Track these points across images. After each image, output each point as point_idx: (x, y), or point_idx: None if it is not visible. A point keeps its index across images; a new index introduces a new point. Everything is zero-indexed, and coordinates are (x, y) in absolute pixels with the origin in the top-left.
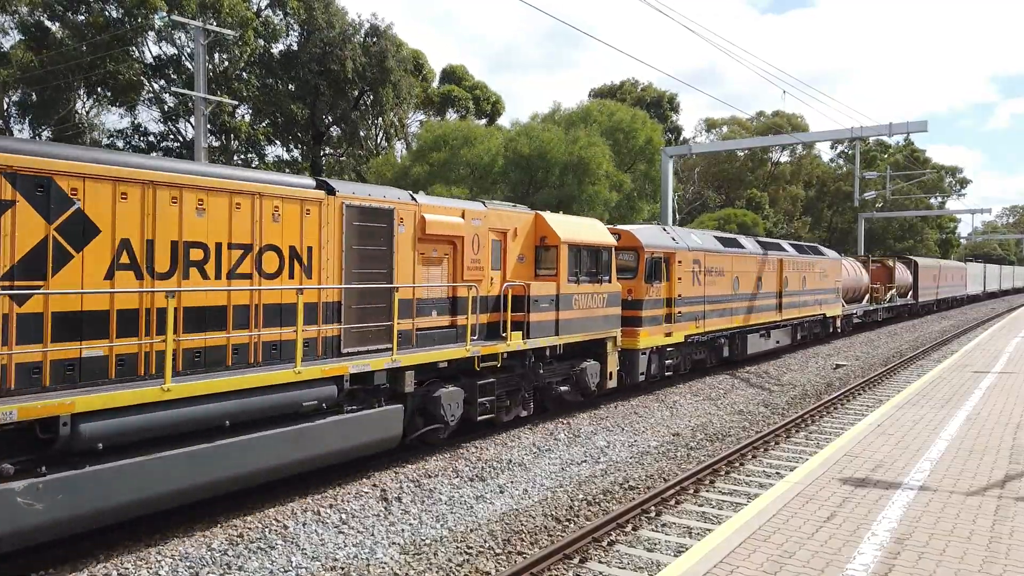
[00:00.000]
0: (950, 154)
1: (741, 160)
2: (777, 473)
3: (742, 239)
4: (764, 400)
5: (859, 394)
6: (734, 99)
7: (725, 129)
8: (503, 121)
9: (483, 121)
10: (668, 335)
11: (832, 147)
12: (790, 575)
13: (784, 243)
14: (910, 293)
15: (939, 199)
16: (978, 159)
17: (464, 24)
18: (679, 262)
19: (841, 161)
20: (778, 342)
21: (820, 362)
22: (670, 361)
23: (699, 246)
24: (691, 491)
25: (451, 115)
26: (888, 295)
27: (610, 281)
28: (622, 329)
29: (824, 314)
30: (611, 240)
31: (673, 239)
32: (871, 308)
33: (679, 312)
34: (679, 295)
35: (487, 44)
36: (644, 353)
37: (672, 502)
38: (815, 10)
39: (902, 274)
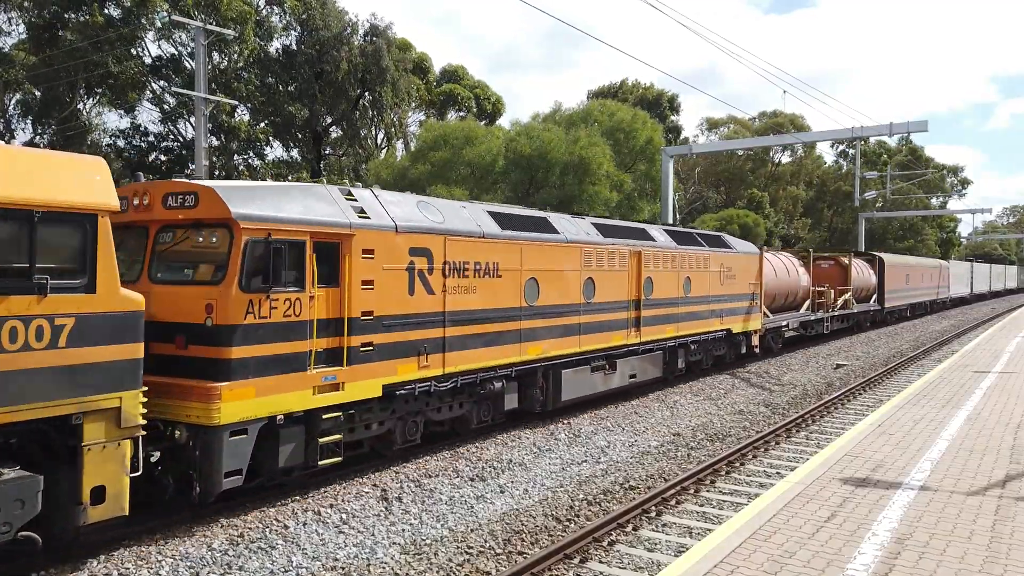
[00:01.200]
0: (952, 154)
1: (742, 160)
2: (777, 473)
3: (558, 219)
4: (764, 400)
5: (859, 394)
6: (735, 99)
7: (725, 129)
8: (503, 121)
9: (484, 122)
10: (335, 388)
11: (833, 146)
12: (791, 575)
13: (653, 228)
14: (874, 297)
15: (940, 199)
16: (979, 159)
17: (464, 24)
18: (365, 252)
19: (842, 161)
20: (633, 376)
21: (820, 362)
22: (337, 437)
23: (428, 225)
24: (691, 491)
25: (452, 115)
26: (840, 300)
27: (88, 288)
28: (177, 384)
29: (729, 329)
30: (84, 197)
31: (362, 211)
32: (811, 318)
33: (368, 345)
34: (367, 313)
35: (487, 44)
36: (238, 434)
37: (672, 502)
38: (816, 10)
39: (862, 274)
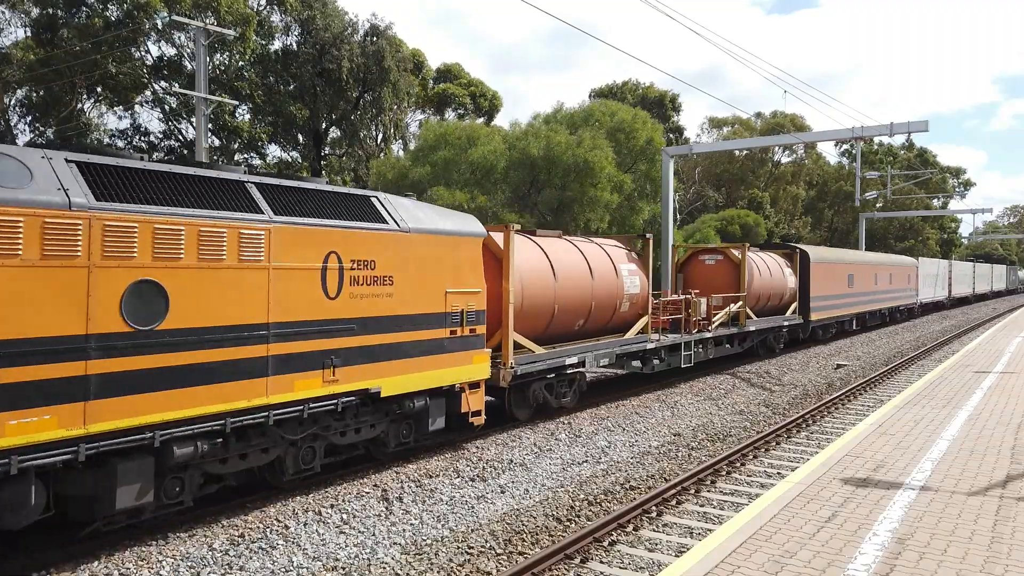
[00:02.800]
0: (954, 154)
1: (742, 160)
2: (778, 473)
3: None
4: (765, 400)
5: (860, 394)
6: (738, 100)
7: (727, 129)
8: (501, 118)
9: (482, 120)
10: None
11: (836, 146)
12: (791, 575)
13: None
14: (793, 306)
15: (940, 199)
16: (980, 159)
17: (466, 24)
18: None
19: (845, 161)
20: None
21: (821, 362)
22: None
23: None
24: (692, 491)
25: (450, 114)
26: (720, 315)
27: None
28: None
29: (369, 390)
30: None
31: None
32: (648, 346)
33: None
34: None
35: (489, 45)
36: None
37: (673, 502)
38: (819, 11)
39: (767, 274)
